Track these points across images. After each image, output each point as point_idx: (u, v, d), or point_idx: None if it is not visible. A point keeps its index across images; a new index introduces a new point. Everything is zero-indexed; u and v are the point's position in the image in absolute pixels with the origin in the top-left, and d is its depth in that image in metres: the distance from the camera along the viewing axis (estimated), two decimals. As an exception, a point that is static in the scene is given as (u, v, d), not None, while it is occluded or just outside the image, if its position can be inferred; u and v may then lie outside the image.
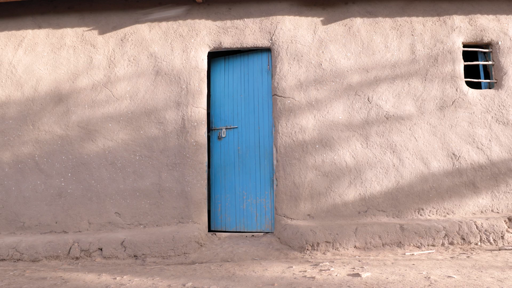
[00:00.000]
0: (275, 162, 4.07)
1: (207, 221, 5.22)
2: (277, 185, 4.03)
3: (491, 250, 3.44)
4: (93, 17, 4.26)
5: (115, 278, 2.85)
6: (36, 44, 4.24)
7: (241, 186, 4.47)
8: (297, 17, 4.19)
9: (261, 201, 4.35)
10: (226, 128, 4.53)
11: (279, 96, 4.10)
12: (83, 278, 2.88)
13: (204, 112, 4.13)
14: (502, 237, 3.56)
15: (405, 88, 4.09)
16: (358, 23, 4.18)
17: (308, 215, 3.94)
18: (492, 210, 3.93)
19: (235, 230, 4.40)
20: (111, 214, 3.97)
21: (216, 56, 5.25)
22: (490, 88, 4.20)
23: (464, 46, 4.23)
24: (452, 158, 3.99)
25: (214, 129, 4.63)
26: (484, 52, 4.30)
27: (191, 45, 4.17)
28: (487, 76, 4.33)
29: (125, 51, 4.18)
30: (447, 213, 3.92)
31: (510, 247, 3.45)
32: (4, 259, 3.49)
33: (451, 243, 3.55)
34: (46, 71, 4.19)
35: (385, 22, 4.18)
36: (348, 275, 2.76)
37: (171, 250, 3.51)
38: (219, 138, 4.53)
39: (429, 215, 3.92)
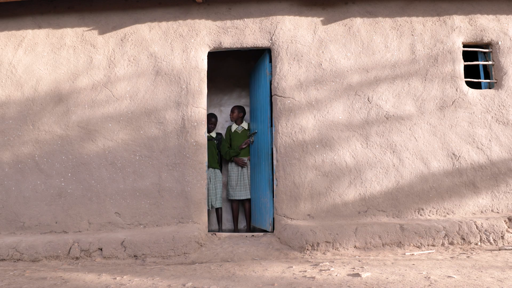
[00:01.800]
0: (275, 162, 4.07)
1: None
2: (277, 185, 4.03)
3: (491, 250, 3.44)
4: (93, 17, 4.26)
5: (115, 278, 2.85)
6: (36, 44, 4.24)
7: (257, 186, 4.79)
8: (297, 17, 4.19)
9: (264, 200, 4.41)
10: (253, 134, 4.95)
11: (279, 96, 4.10)
12: (83, 278, 2.88)
13: (204, 112, 4.13)
14: (502, 237, 3.56)
15: (405, 88, 4.08)
16: (358, 23, 4.18)
17: (308, 215, 3.94)
18: (492, 210, 3.93)
19: (255, 226, 4.85)
20: (111, 214, 3.97)
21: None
22: (490, 88, 4.20)
23: (464, 46, 4.22)
24: (452, 158, 3.99)
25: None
26: (484, 52, 4.30)
27: (191, 45, 4.17)
28: (487, 76, 4.32)
29: (125, 51, 4.18)
30: (447, 213, 3.92)
31: (510, 247, 3.45)
32: (4, 259, 3.49)
33: (451, 243, 3.55)
34: (46, 71, 4.19)
35: (385, 22, 4.18)
36: (348, 275, 2.76)
37: (171, 250, 3.51)
38: (251, 143, 5.07)
39: (429, 215, 3.92)
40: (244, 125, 5.32)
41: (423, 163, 3.98)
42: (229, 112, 5.59)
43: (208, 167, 4.96)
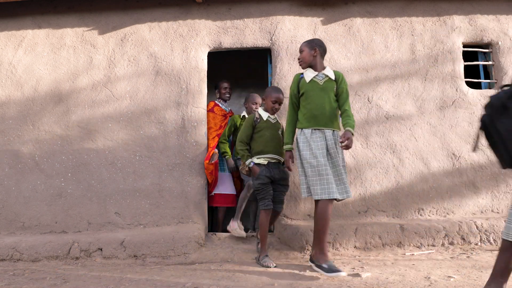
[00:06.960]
0: (275, 162, 4.06)
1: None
2: (277, 185, 4.02)
3: (491, 250, 3.44)
4: (93, 17, 4.26)
5: (115, 278, 2.84)
6: (36, 44, 4.24)
7: None
8: (297, 17, 4.19)
9: None
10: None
11: (279, 96, 4.09)
12: (83, 278, 2.88)
13: (204, 112, 4.13)
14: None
15: (405, 88, 4.08)
16: (358, 23, 4.18)
17: (308, 215, 3.93)
18: (492, 210, 3.93)
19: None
20: (111, 214, 3.97)
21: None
22: (490, 88, 4.19)
23: (464, 46, 4.22)
24: (452, 158, 3.99)
25: None
26: (484, 52, 4.30)
27: (191, 45, 4.17)
28: (487, 76, 4.32)
29: (125, 51, 4.18)
30: (447, 213, 3.92)
31: (510, 247, 3.44)
32: (4, 259, 3.49)
33: (451, 243, 3.55)
34: (46, 71, 4.19)
35: (385, 22, 4.18)
36: (348, 275, 2.76)
37: (171, 250, 3.50)
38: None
39: (429, 215, 3.92)
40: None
41: (423, 163, 3.98)
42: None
43: None
